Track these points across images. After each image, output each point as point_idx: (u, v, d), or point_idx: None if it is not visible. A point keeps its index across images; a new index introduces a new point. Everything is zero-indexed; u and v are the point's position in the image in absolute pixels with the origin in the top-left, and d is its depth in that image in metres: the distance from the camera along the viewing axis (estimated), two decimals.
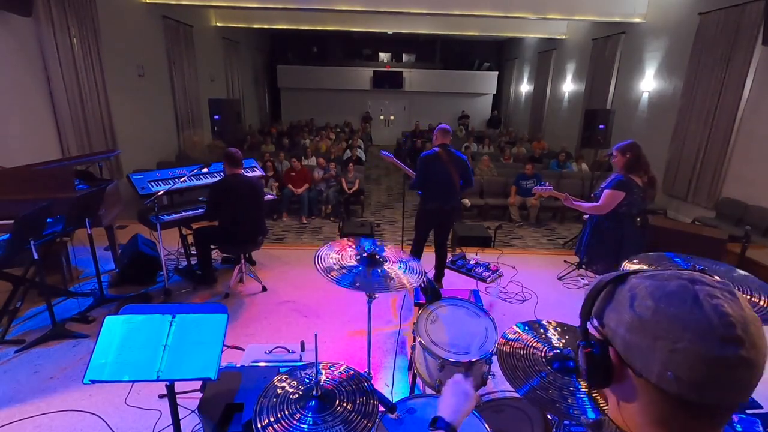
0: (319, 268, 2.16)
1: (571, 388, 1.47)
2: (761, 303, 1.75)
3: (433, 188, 3.74)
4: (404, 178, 4.65)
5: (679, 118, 7.18)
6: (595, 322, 0.66)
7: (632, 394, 0.60)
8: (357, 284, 2.08)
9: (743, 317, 0.53)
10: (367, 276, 2.13)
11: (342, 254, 2.30)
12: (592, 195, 3.54)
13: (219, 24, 11.58)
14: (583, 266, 4.26)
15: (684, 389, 0.53)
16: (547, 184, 3.51)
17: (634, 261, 2.12)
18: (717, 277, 0.59)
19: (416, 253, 3.97)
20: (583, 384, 1.48)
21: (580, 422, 1.26)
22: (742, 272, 2.00)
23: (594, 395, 1.43)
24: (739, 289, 1.71)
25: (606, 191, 3.26)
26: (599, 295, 0.65)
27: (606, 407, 0.70)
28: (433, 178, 3.71)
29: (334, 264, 2.21)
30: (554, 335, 1.76)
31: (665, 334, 0.54)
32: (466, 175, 3.78)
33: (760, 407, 1.99)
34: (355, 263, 2.22)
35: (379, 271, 2.17)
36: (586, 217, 3.79)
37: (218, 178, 4.27)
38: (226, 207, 3.74)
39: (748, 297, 1.80)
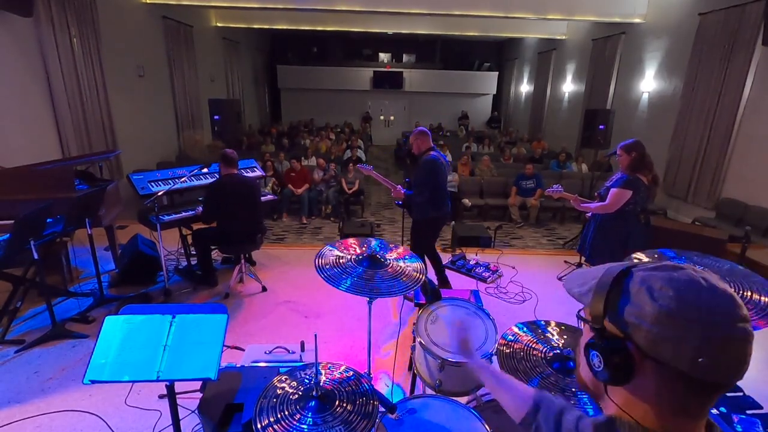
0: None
1: (573, 389, 1.47)
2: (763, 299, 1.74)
3: (442, 193, 3.68)
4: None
5: (679, 118, 7.18)
6: (607, 320, 0.64)
7: (649, 387, 0.61)
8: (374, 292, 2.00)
9: (735, 295, 0.58)
10: (374, 278, 2.07)
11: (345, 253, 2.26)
12: (596, 194, 3.54)
13: (219, 24, 11.58)
14: (586, 264, 4.25)
15: (714, 372, 0.55)
16: (558, 186, 3.53)
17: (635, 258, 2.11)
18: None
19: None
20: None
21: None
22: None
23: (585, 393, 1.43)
24: (740, 287, 1.71)
25: (613, 190, 3.25)
26: (610, 293, 0.64)
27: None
28: (441, 181, 3.65)
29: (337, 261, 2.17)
30: (553, 335, 1.76)
31: (694, 322, 0.56)
32: None
33: (760, 407, 1.98)
34: (357, 265, 2.15)
35: (383, 270, 2.14)
36: (588, 215, 3.79)
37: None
38: (223, 207, 3.74)
39: (749, 294, 1.79)
